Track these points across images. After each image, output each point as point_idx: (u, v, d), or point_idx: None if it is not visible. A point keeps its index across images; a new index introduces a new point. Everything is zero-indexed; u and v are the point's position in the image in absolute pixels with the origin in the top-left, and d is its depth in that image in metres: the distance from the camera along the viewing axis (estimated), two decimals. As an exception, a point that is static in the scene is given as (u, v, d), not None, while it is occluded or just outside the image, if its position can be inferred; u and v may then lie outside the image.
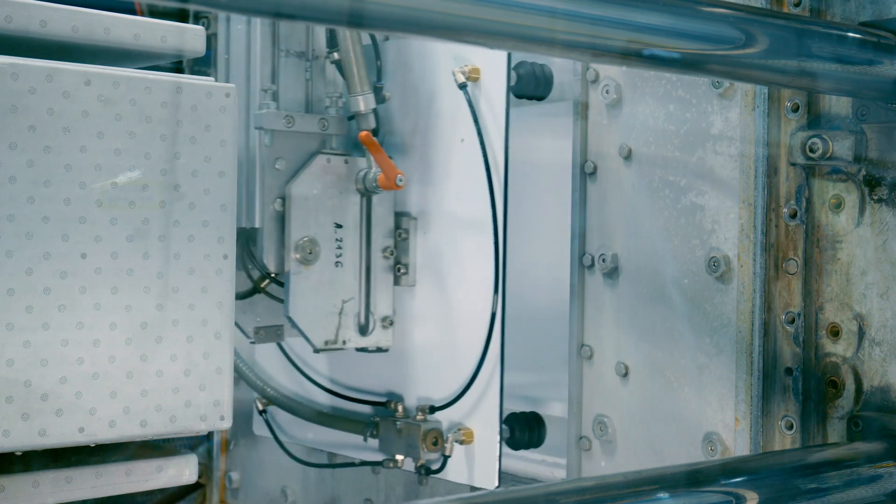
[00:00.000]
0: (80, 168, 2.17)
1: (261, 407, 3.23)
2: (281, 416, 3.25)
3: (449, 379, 2.84)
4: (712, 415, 2.53)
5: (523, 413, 2.91)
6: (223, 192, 2.32)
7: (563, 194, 2.82)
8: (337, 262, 2.85)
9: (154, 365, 2.25)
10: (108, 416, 2.20)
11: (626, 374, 2.69)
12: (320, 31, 2.89)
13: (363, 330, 2.90)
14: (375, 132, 2.83)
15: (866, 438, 2.33)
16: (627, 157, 2.68)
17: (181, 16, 3.20)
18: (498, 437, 2.75)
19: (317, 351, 2.86)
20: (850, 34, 2.22)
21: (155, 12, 2.78)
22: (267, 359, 3.25)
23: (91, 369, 2.18)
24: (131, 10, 2.81)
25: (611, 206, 2.72)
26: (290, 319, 2.81)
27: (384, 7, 1.66)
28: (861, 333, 2.36)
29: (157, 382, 2.25)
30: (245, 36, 2.88)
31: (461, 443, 2.82)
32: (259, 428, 3.32)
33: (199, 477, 3.38)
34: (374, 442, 2.98)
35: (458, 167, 2.82)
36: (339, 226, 2.85)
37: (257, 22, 2.86)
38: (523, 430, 2.88)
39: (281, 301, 2.88)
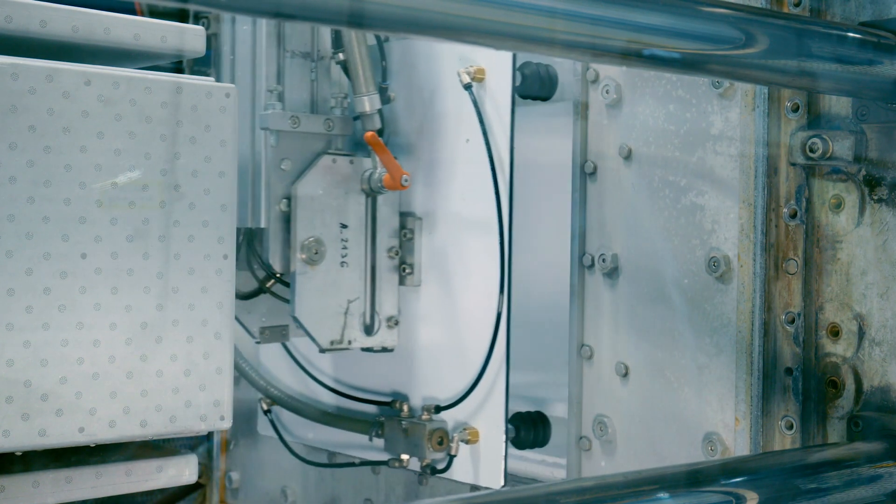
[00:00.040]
0: (80, 168, 2.17)
1: (265, 407, 3.23)
2: (285, 416, 3.25)
3: (454, 379, 2.85)
4: (712, 415, 2.53)
5: (528, 412, 2.92)
6: (223, 192, 2.32)
7: (563, 194, 2.82)
8: (342, 263, 2.85)
9: (154, 365, 2.25)
10: (108, 416, 2.20)
11: (626, 374, 2.69)
12: (325, 32, 2.90)
13: (368, 330, 2.91)
14: (380, 132, 2.84)
15: (866, 438, 2.33)
16: (627, 157, 2.68)
17: (181, 16, 3.20)
18: (503, 437, 2.76)
19: (322, 351, 2.86)
20: (850, 34, 2.22)
21: (155, 12, 2.78)
22: (272, 359, 3.26)
23: (91, 369, 2.18)
24: (131, 10, 2.81)
25: (611, 206, 2.72)
26: (295, 319, 2.81)
27: (384, 7, 1.66)
28: (861, 333, 2.36)
29: (157, 382, 2.25)
30: (251, 37, 2.89)
31: (467, 442, 2.82)
32: (264, 428, 3.32)
33: (199, 477, 3.38)
34: (379, 442, 2.98)
35: (463, 167, 2.82)
36: (344, 226, 2.85)
37: (262, 23, 2.86)
38: (528, 429, 2.89)
39: (286, 301, 2.89)
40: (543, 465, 3.03)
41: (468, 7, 1.73)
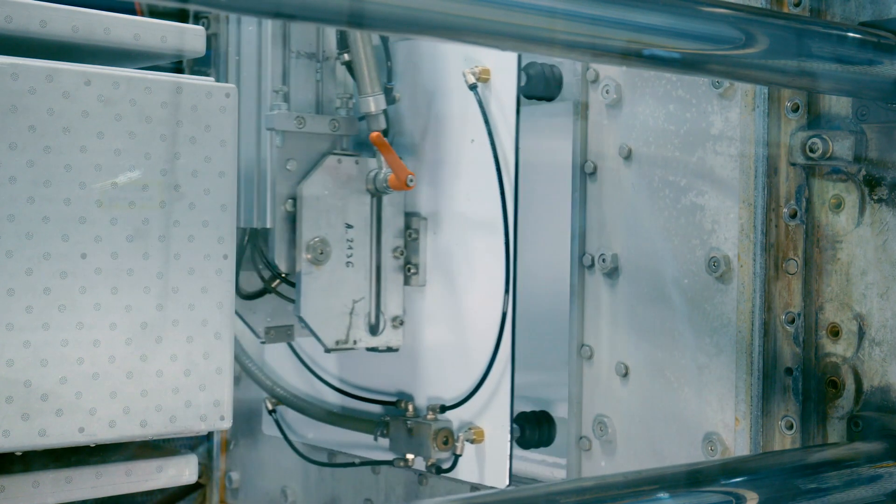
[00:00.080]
0: (80, 168, 2.17)
1: (270, 407, 3.24)
2: (289, 416, 3.26)
3: (459, 378, 2.85)
4: (712, 415, 2.53)
5: (533, 412, 2.92)
6: (223, 192, 2.32)
7: (564, 194, 2.82)
8: (348, 263, 2.86)
9: (154, 365, 2.25)
10: (108, 416, 2.20)
11: (626, 374, 2.69)
12: (331, 33, 2.91)
13: (374, 330, 2.92)
14: (386, 133, 2.84)
15: (866, 438, 2.33)
16: (627, 157, 2.68)
17: (181, 16, 3.20)
18: (508, 437, 2.76)
19: (328, 351, 2.87)
20: (850, 34, 2.22)
21: (155, 12, 2.78)
22: (276, 359, 3.26)
23: (91, 369, 2.18)
24: (131, 10, 2.81)
25: (611, 206, 2.72)
26: (301, 319, 2.82)
27: (384, 7, 1.66)
28: (861, 333, 2.36)
29: (157, 382, 2.25)
30: (256, 37, 2.89)
31: (472, 442, 2.83)
32: (268, 427, 3.32)
33: (199, 477, 3.38)
34: (384, 441, 2.99)
35: (468, 167, 2.83)
36: (349, 226, 2.86)
37: (268, 23, 2.87)
38: (533, 429, 2.89)
39: (292, 301, 2.89)
40: (543, 465, 3.03)
41: (468, 7, 1.73)
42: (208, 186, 2.30)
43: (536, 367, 3.01)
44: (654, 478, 2.10)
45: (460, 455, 2.84)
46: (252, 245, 2.91)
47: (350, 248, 2.86)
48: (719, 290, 2.51)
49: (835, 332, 2.39)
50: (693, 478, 2.10)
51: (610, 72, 2.71)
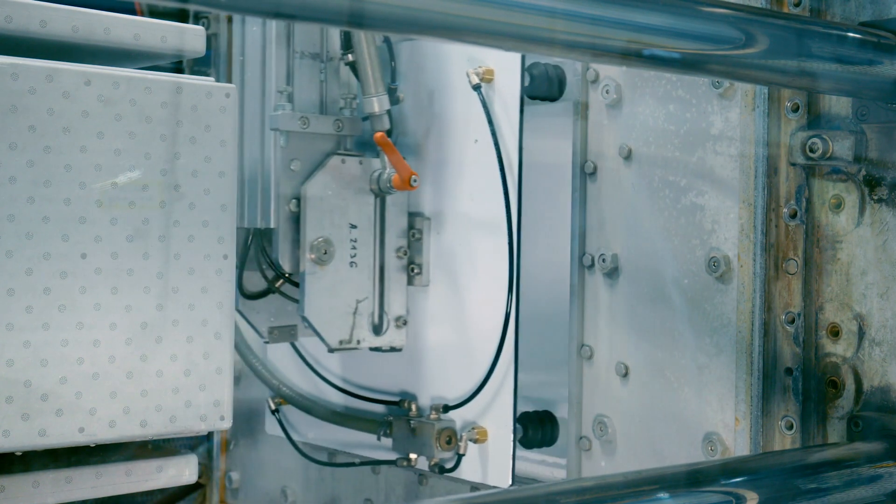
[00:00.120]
0: (80, 168, 2.17)
1: (273, 406, 3.24)
2: (291, 416, 3.26)
3: (462, 378, 2.86)
4: (712, 415, 2.53)
5: (536, 412, 2.92)
6: (223, 192, 2.32)
7: (564, 194, 2.82)
8: (351, 263, 2.86)
9: (154, 365, 2.25)
10: (108, 416, 2.20)
11: (626, 374, 2.69)
12: (334, 33, 2.91)
13: (377, 330, 2.92)
14: (389, 133, 2.85)
15: (866, 438, 2.33)
16: (627, 157, 2.68)
17: (181, 16, 3.20)
18: (512, 436, 2.76)
19: (331, 350, 2.88)
20: (850, 34, 2.22)
21: (155, 12, 2.78)
22: (279, 358, 3.26)
23: (91, 369, 2.18)
24: (131, 10, 2.81)
25: (611, 206, 2.72)
26: (304, 319, 2.82)
27: (384, 7, 1.66)
28: (861, 333, 2.36)
29: (157, 382, 2.25)
30: (260, 38, 2.90)
31: (475, 442, 2.83)
32: (271, 427, 3.32)
33: (199, 477, 3.38)
34: (387, 441, 2.99)
35: (471, 168, 2.83)
36: (353, 226, 2.86)
37: (272, 24, 2.87)
38: (536, 429, 2.89)
39: (295, 301, 2.90)
40: (543, 465, 3.03)
41: (468, 7, 1.73)
42: (208, 186, 2.30)
43: (538, 367, 3.01)
44: (654, 478, 2.10)
45: (463, 455, 2.84)
46: (256, 245, 2.91)
47: (354, 248, 2.87)
48: (719, 290, 2.51)
49: (835, 332, 2.39)
50: (693, 478, 2.10)
51: (610, 72, 2.71)
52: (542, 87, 2.82)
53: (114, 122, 2.20)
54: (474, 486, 2.92)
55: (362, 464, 3.12)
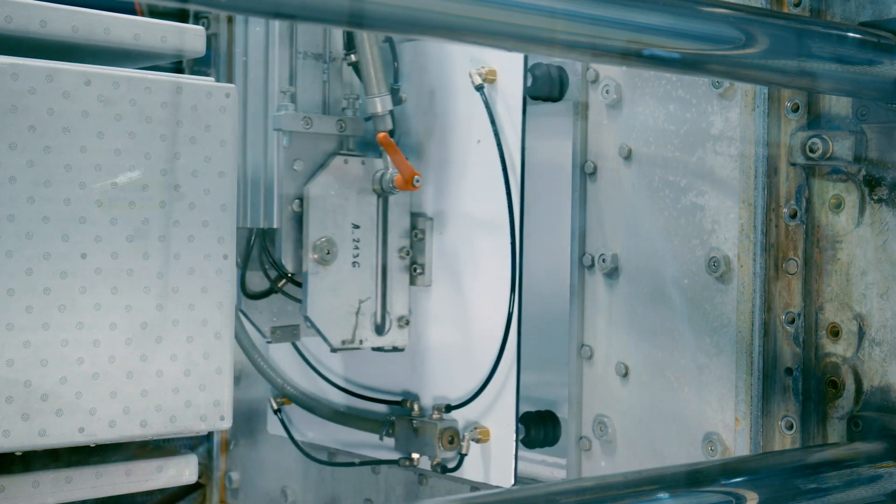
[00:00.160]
0: (80, 168, 2.17)
1: (275, 406, 3.24)
2: (293, 415, 3.26)
3: (464, 378, 2.86)
4: (712, 415, 2.53)
5: (538, 412, 2.93)
6: (223, 192, 2.32)
7: (565, 194, 2.82)
8: (354, 263, 2.87)
9: (154, 365, 2.25)
10: (108, 416, 2.20)
11: (626, 374, 2.69)
12: (337, 34, 2.92)
13: (379, 329, 2.93)
14: (392, 133, 2.85)
15: (866, 438, 2.33)
16: (627, 157, 2.68)
17: (181, 16, 3.20)
18: (514, 436, 2.77)
19: (334, 350, 2.88)
20: (850, 34, 2.22)
21: (155, 12, 2.78)
22: (280, 358, 3.27)
23: (91, 369, 2.18)
24: (131, 10, 2.81)
25: (611, 206, 2.72)
26: (307, 319, 2.83)
27: (384, 7, 1.66)
28: (861, 333, 2.36)
29: (157, 382, 2.25)
30: (263, 38, 2.90)
31: (477, 441, 2.84)
32: (273, 427, 3.32)
33: (199, 477, 3.38)
34: (389, 441, 3.00)
35: (473, 168, 2.84)
36: (356, 226, 2.87)
37: (275, 24, 2.88)
38: (538, 429, 2.90)
39: (298, 301, 2.90)
40: (544, 465, 3.03)
41: (468, 7, 1.73)
42: (208, 186, 2.30)
43: (541, 367, 3.01)
44: (654, 478, 2.10)
45: (466, 454, 2.85)
46: (259, 245, 2.92)
47: (356, 248, 2.87)
48: (719, 290, 2.51)
49: (835, 332, 2.39)
50: (693, 478, 2.10)
51: (610, 72, 2.71)
52: (544, 88, 2.82)
53: (114, 122, 2.20)
54: (475, 486, 2.92)
55: (365, 463, 3.12)
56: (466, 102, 2.84)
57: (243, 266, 2.93)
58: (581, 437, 2.78)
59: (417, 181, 2.80)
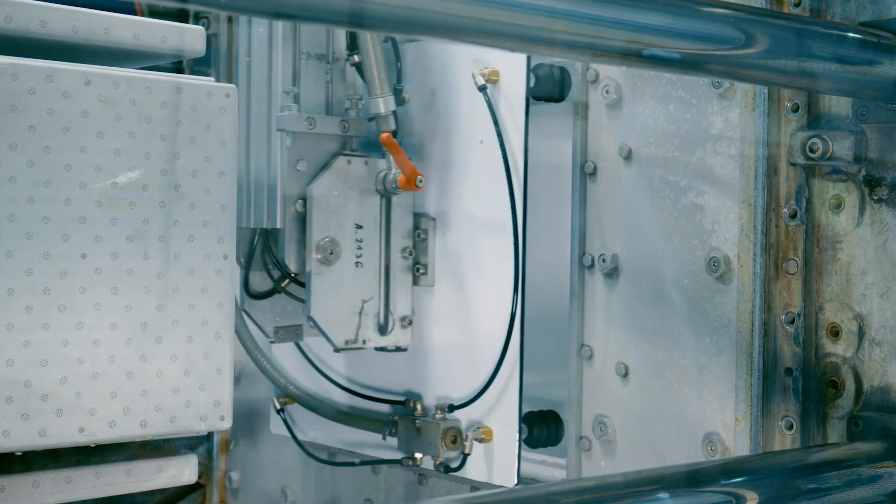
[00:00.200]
0: (80, 168, 2.17)
1: (278, 406, 3.25)
2: (296, 415, 3.26)
3: (467, 378, 2.87)
4: (712, 415, 2.53)
5: (541, 411, 2.93)
6: (223, 193, 2.32)
7: (565, 194, 2.83)
8: (357, 263, 2.87)
9: (154, 365, 2.25)
10: (108, 417, 2.20)
11: (626, 374, 2.69)
12: (340, 34, 2.92)
13: (382, 329, 2.93)
14: (395, 134, 2.86)
15: (866, 438, 2.33)
16: (627, 157, 2.68)
17: (181, 16, 3.20)
18: (517, 436, 2.77)
19: (337, 350, 2.89)
20: (850, 34, 2.22)
21: (155, 12, 2.78)
22: (284, 358, 3.27)
23: (91, 369, 2.18)
24: (131, 10, 2.81)
25: (611, 206, 2.72)
26: (310, 319, 2.83)
27: (384, 7, 1.66)
28: (861, 333, 2.36)
29: (157, 382, 2.25)
30: (266, 39, 2.90)
31: (480, 441, 2.84)
32: (276, 427, 3.33)
33: (199, 477, 3.38)
34: (392, 440, 3.00)
35: (476, 168, 2.84)
36: (359, 226, 2.88)
37: (278, 25, 2.88)
38: (541, 428, 2.90)
39: (301, 301, 2.91)
40: (544, 466, 3.03)
41: (468, 7, 1.73)
42: (208, 186, 2.30)
43: (544, 367, 3.01)
44: (654, 478, 2.10)
45: (469, 454, 2.85)
46: (262, 245, 2.93)
47: (359, 248, 2.88)
48: (719, 290, 2.51)
49: (835, 332, 2.39)
50: (693, 478, 2.10)
51: (610, 72, 2.71)
52: (547, 88, 2.83)
53: (114, 122, 2.20)
54: (474, 486, 2.92)
55: (367, 463, 3.13)
56: (469, 103, 2.84)
57: (247, 266, 2.94)
58: (581, 437, 2.78)
59: (420, 181, 2.81)
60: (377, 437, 3.03)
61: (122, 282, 2.21)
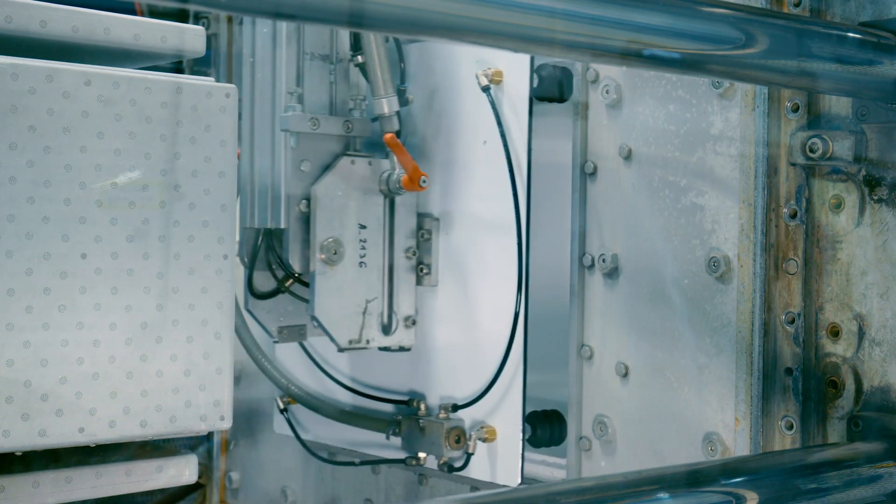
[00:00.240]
0: (80, 168, 2.17)
1: (282, 406, 3.25)
2: (299, 415, 3.27)
3: (471, 378, 2.87)
4: (712, 415, 2.53)
5: (544, 411, 2.94)
6: (223, 193, 2.32)
7: (566, 194, 2.83)
8: (361, 263, 2.88)
9: (154, 365, 2.25)
10: (108, 417, 2.20)
11: (626, 374, 2.69)
12: (344, 35, 2.93)
13: (386, 329, 2.94)
14: (398, 134, 2.86)
15: (866, 438, 2.33)
16: (627, 157, 2.68)
17: (181, 16, 3.20)
18: (521, 435, 2.78)
19: (341, 350, 2.89)
20: (850, 34, 2.22)
21: (155, 12, 2.79)
22: (287, 358, 3.27)
23: (91, 369, 2.18)
24: (131, 10, 2.81)
25: (611, 206, 2.72)
26: (314, 319, 2.84)
27: (384, 7, 1.66)
28: (861, 333, 2.36)
29: (157, 382, 2.25)
30: (270, 39, 2.91)
31: (484, 441, 2.85)
32: (280, 426, 3.33)
33: (199, 477, 3.38)
34: (396, 440, 3.01)
35: (480, 169, 2.85)
36: (362, 226, 2.88)
37: (282, 25, 2.88)
38: (545, 428, 2.91)
39: (305, 301, 2.91)
40: (543, 466, 3.03)
41: (468, 7, 1.73)
42: (208, 186, 2.30)
43: (547, 367, 3.01)
44: (654, 478, 2.10)
45: (472, 454, 2.86)
46: (266, 245, 2.94)
47: (363, 248, 2.89)
48: (719, 290, 2.51)
49: (835, 332, 2.39)
50: (693, 478, 2.10)
51: (610, 72, 2.71)
52: (550, 89, 2.83)
53: (114, 122, 2.20)
54: (474, 486, 2.92)
55: (370, 462, 3.13)
56: (473, 103, 2.85)
57: (250, 266, 2.95)
58: (581, 437, 2.78)
59: (424, 182, 2.81)
60: (380, 436, 3.04)
61: (122, 282, 2.21)
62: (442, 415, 2.89)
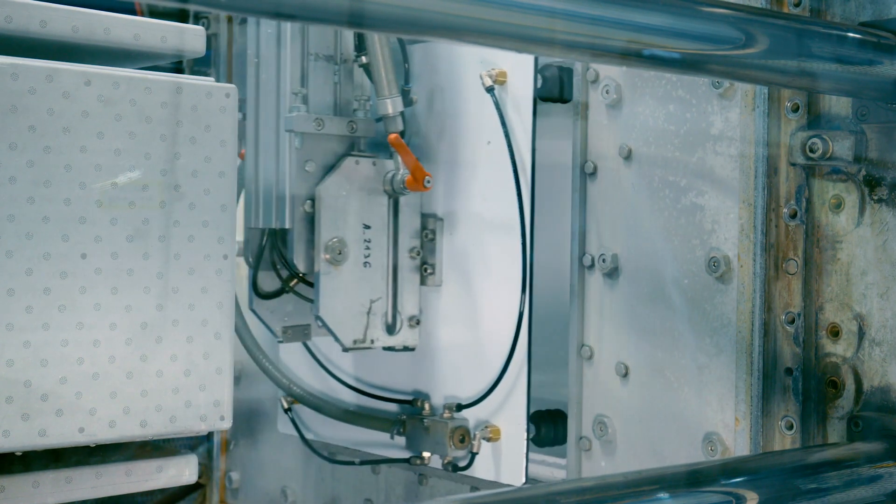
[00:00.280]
0: (80, 168, 2.17)
1: (285, 405, 3.25)
2: (302, 415, 3.27)
3: (475, 377, 2.88)
4: (712, 415, 2.53)
5: (548, 411, 2.94)
6: (223, 193, 2.32)
7: (566, 194, 2.83)
8: (365, 263, 2.89)
9: (154, 365, 2.25)
10: (108, 417, 2.20)
11: (626, 374, 2.69)
12: (348, 35, 2.94)
13: (391, 329, 2.94)
14: (402, 134, 2.87)
15: (866, 438, 2.33)
16: (627, 157, 2.68)
17: (181, 16, 3.21)
18: (525, 435, 2.78)
19: (345, 350, 2.90)
20: (850, 34, 2.22)
21: (155, 12, 2.79)
22: (291, 358, 3.28)
23: (91, 369, 2.18)
24: (131, 10, 2.82)
25: (611, 207, 2.72)
26: (319, 319, 2.84)
27: (384, 7, 1.66)
28: (861, 333, 2.36)
29: (157, 382, 2.25)
30: (275, 40, 2.91)
31: (488, 440, 2.85)
32: (284, 426, 3.33)
33: (199, 477, 3.38)
34: (400, 440, 3.01)
35: (484, 169, 2.85)
36: (367, 227, 2.89)
37: (286, 26, 2.89)
38: (549, 427, 2.91)
39: (309, 301, 2.92)
40: (543, 466, 3.03)
41: (468, 7, 1.73)
42: (208, 186, 2.30)
43: (551, 367, 3.02)
44: (654, 478, 2.10)
45: (476, 453, 2.86)
46: (270, 245, 2.94)
47: (368, 248, 2.89)
48: (719, 290, 2.51)
49: (835, 332, 2.39)
50: (693, 478, 2.10)
51: (610, 72, 2.71)
52: (553, 89, 2.83)
53: (114, 122, 2.20)
54: (474, 486, 2.92)
55: (372, 462, 3.13)
56: (476, 104, 2.85)
57: (255, 266, 2.96)
58: (581, 437, 2.78)
59: (428, 182, 2.82)
60: (384, 436, 3.04)
61: (122, 282, 2.21)
62: (446, 414, 2.90)
